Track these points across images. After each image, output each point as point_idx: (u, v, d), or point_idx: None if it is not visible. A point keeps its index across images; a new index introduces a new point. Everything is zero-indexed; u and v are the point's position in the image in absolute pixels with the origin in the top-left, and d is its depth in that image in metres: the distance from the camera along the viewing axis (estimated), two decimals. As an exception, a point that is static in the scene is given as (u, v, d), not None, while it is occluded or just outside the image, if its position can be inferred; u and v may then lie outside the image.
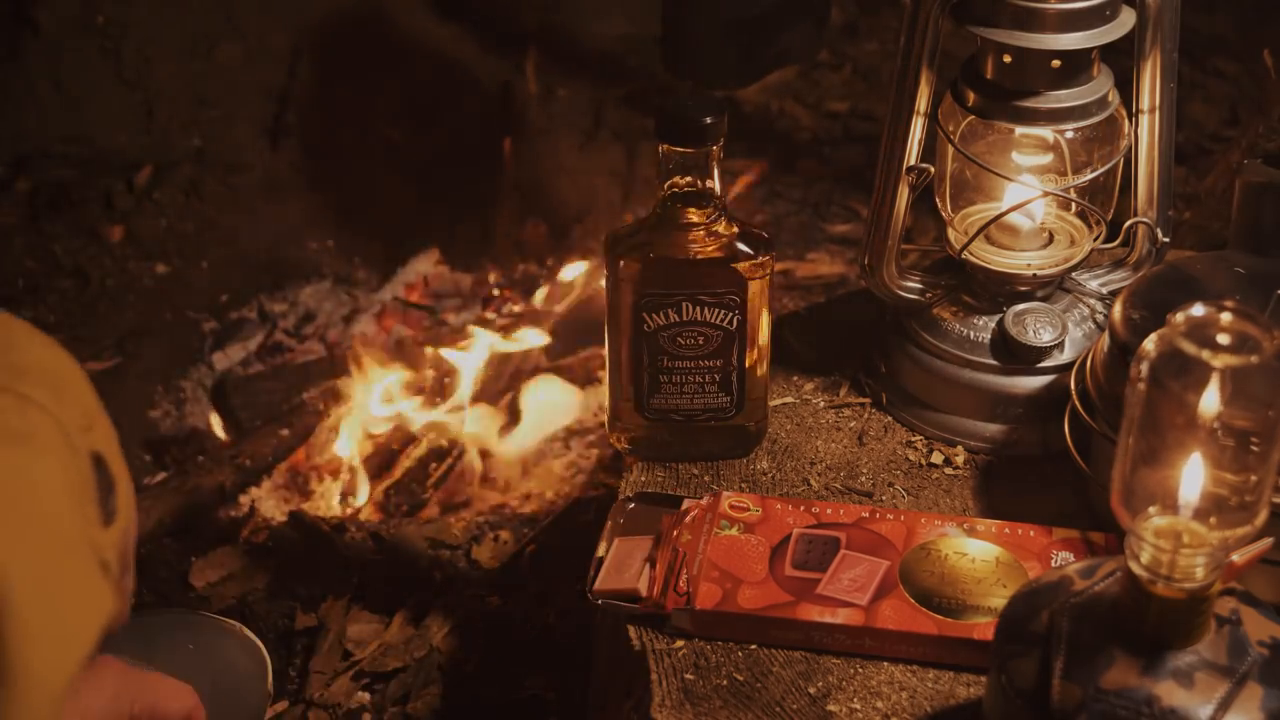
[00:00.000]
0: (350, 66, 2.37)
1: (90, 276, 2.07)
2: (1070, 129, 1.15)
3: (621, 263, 1.13)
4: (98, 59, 2.25)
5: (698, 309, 1.14)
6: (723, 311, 1.14)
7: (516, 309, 2.05)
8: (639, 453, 1.20)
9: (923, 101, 1.16)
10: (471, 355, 1.90)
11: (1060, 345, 1.19)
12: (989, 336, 1.20)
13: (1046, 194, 1.19)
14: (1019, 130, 1.17)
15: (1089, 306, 1.23)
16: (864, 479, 1.18)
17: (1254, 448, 0.80)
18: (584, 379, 1.90)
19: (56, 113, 2.24)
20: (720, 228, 1.12)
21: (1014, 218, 1.20)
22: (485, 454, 1.84)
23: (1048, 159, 1.18)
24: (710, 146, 1.10)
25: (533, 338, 1.95)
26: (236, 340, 2.02)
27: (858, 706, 0.99)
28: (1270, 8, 2.33)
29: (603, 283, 1.16)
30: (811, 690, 1.00)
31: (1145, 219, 1.22)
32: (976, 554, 1.06)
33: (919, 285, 1.24)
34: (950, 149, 1.18)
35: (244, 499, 1.74)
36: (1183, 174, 1.82)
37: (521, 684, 1.42)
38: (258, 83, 2.32)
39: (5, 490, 0.62)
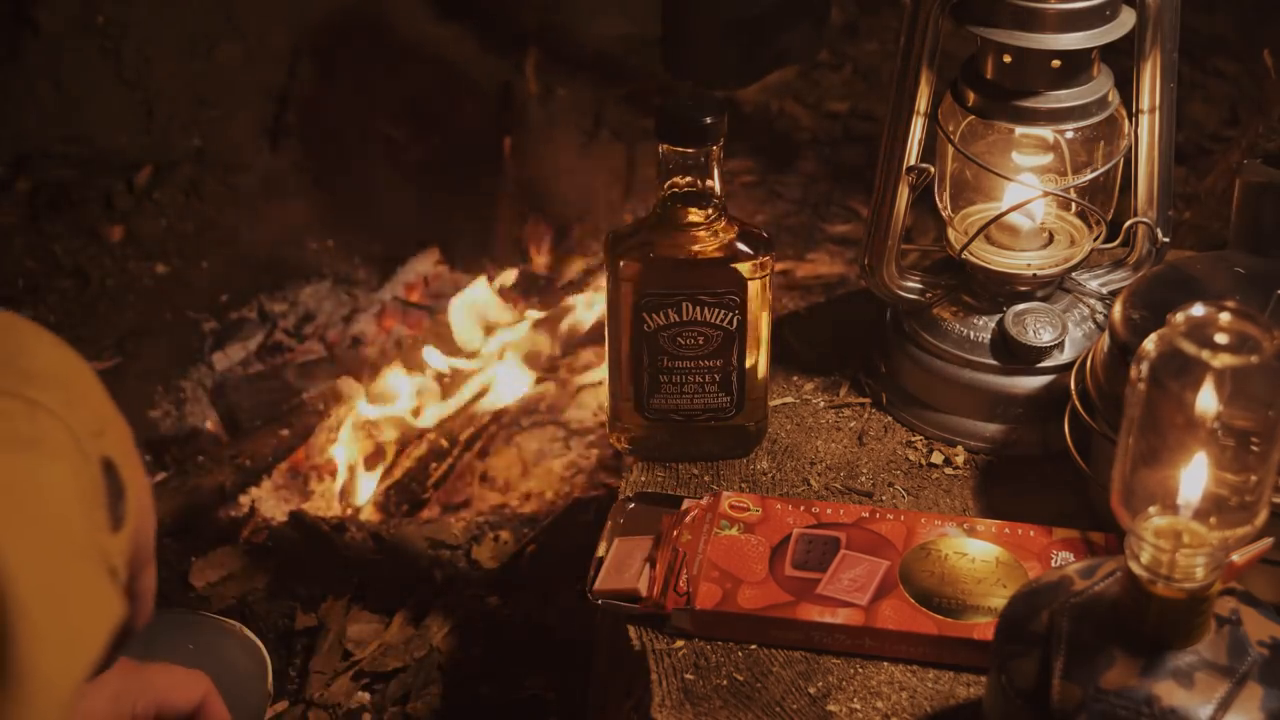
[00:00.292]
0: (350, 66, 2.37)
1: (90, 276, 2.07)
2: (1070, 129, 1.15)
3: (621, 263, 1.13)
4: (98, 59, 2.25)
5: (698, 309, 1.14)
6: (723, 311, 1.14)
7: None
8: (639, 453, 1.20)
9: (923, 101, 1.16)
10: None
11: (1060, 345, 1.19)
12: (989, 336, 1.20)
13: (1046, 194, 1.19)
14: (1019, 130, 1.17)
15: (1089, 306, 1.23)
16: (864, 479, 1.18)
17: (1254, 448, 0.80)
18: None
19: (56, 113, 2.24)
20: (720, 228, 1.13)
21: (1014, 218, 1.20)
22: (485, 453, 1.84)
23: (1048, 159, 1.18)
24: (710, 146, 1.10)
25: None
26: (236, 340, 2.02)
27: (858, 706, 0.99)
28: (1270, 8, 2.33)
29: (603, 282, 1.16)
30: (811, 690, 1.00)
31: (1145, 219, 1.22)
32: (976, 554, 1.06)
33: (919, 285, 1.24)
34: (950, 149, 1.18)
35: (244, 499, 1.74)
36: (1183, 174, 1.82)
37: (521, 684, 1.42)
38: (258, 83, 2.32)
39: (15, 495, 0.62)
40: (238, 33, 2.32)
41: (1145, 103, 1.18)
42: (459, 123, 2.35)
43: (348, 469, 1.78)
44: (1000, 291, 1.21)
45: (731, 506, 1.11)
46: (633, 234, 1.14)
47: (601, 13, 2.53)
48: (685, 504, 1.13)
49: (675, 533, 1.10)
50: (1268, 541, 0.84)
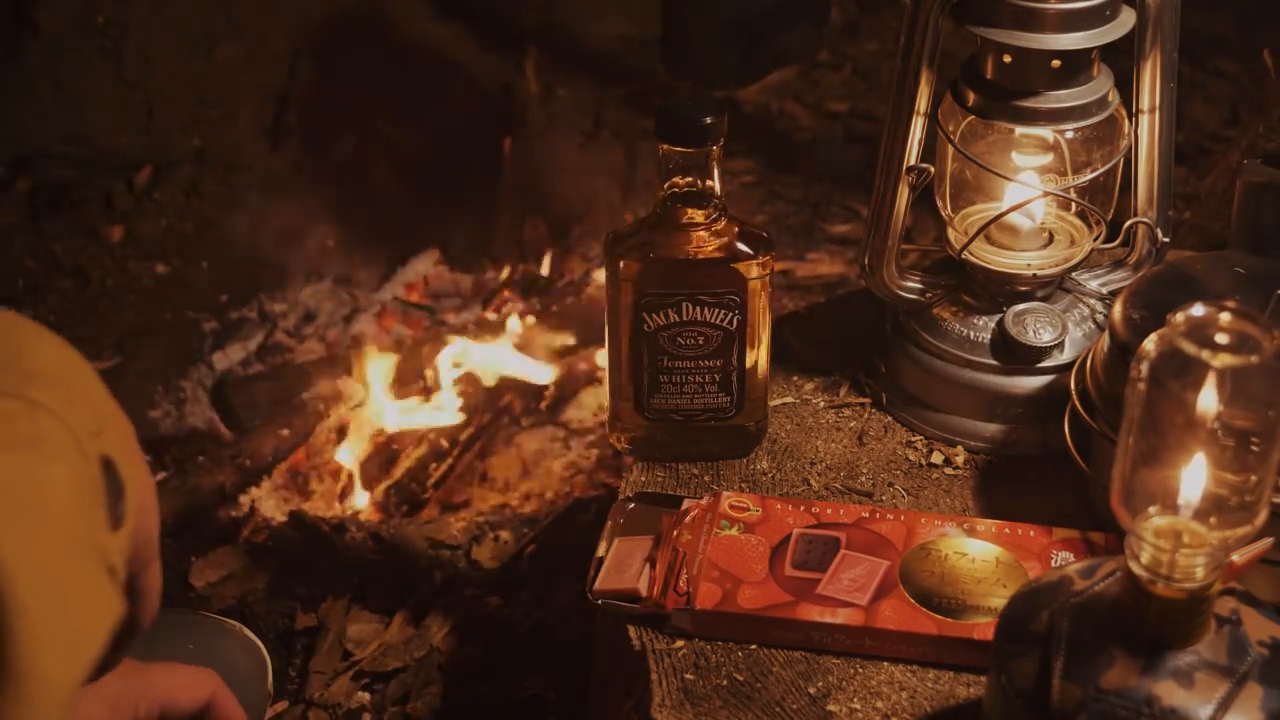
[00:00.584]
0: (350, 66, 2.37)
1: (90, 276, 2.07)
2: (1070, 129, 1.15)
3: (621, 263, 1.13)
4: (98, 59, 2.25)
5: (698, 309, 1.14)
6: (723, 311, 1.14)
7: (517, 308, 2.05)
8: (639, 453, 1.20)
9: (923, 101, 1.16)
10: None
11: (1060, 345, 1.19)
12: (989, 336, 1.20)
13: (1046, 194, 1.18)
14: (1019, 130, 1.17)
15: (1089, 306, 1.23)
16: (864, 479, 1.18)
17: (1254, 448, 0.80)
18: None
19: (56, 113, 2.24)
20: (720, 228, 1.12)
21: (1014, 218, 1.20)
22: (485, 453, 1.84)
23: (1048, 159, 1.18)
24: (710, 146, 1.09)
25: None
26: (236, 340, 2.02)
27: (858, 706, 0.99)
28: (1270, 8, 2.33)
29: (603, 282, 1.16)
30: (811, 690, 1.00)
31: (1145, 219, 1.22)
32: (976, 554, 1.06)
33: (919, 285, 1.24)
34: (950, 149, 1.18)
35: (244, 499, 1.74)
36: (1183, 174, 1.82)
37: (521, 684, 1.42)
38: (258, 83, 2.32)
39: (15, 495, 0.62)
40: (238, 33, 2.32)
41: (1145, 103, 1.18)
42: (459, 123, 2.35)
43: (347, 471, 1.78)
44: (1000, 291, 1.21)
45: (731, 506, 1.11)
46: (633, 234, 1.14)
47: (601, 13, 2.54)
48: (685, 504, 1.13)
49: (675, 533, 1.10)
50: (1268, 541, 0.84)
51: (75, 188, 2.18)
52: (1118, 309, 1.10)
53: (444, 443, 1.81)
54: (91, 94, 2.25)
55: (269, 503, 1.74)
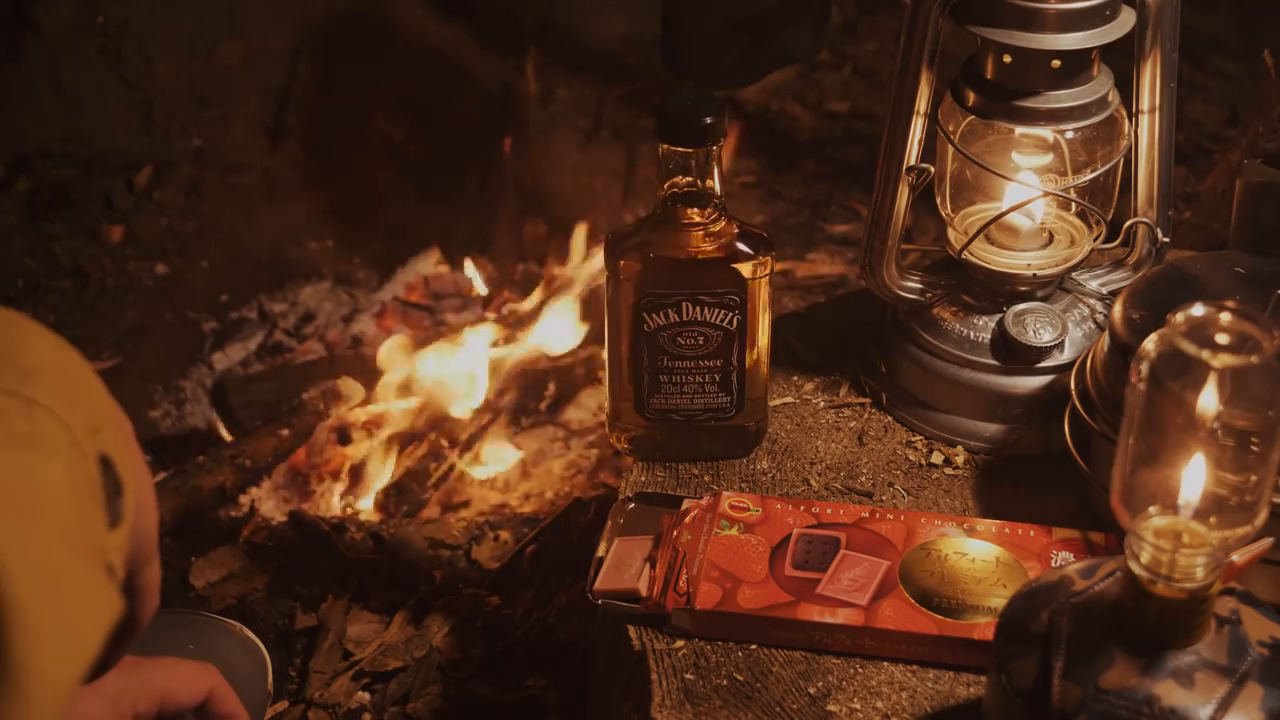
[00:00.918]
0: (350, 66, 2.37)
1: (90, 276, 2.07)
2: (1070, 129, 1.15)
3: (621, 263, 1.13)
4: (98, 59, 2.25)
5: (698, 309, 1.14)
6: (723, 311, 1.14)
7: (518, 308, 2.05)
8: (639, 453, 1.20)
9: (923, 101, 1.16)
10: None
11: (1060, 345, 1.19)
12: (989, 336, 1.20)
13: (1046, 194, 1.19)
14: (1019, 130, 1.17)
15: (1089, 306, 1.23)
16: (864, 479, 1.18)
17: (1254, 448, 0.80)
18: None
19: (56, 113, 2.24)
20: (720, 228, 1.12)
21: (1014, 218, 1.20)
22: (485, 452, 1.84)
23: (1048, 159, 1.18)
24: (710, 146, 1.09)
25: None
26: (236, 340, 2.02)
27: (858, 706, 0.99)
28: (1270, 8, 2.33)
29: (603, 282, 1.16)
30: (811, 690, 1.00)
31: (1145, 219, 1.22)
32: (976, 554, 1.06)
33: (919, 285, 1.24)
34: (950, 149, 1.18)
35: (244, 499, 1.74)
36: (1183, 174, 1.82)
37: (521, 684, 1.42)
38: (258, 83, 2.32)
39: (12, 493, 0.62)
40: (238, 33, 2.32)
41: (1145, 103, 1.18)
42: (459, 123, 2.35)
43: (347, 471, 1.78)
44: (1000, 291, 1.21)
45: (731, 506, 1.11)
46: (633, 234, 1.14)
47: (601, 13, 2.53)
48: (685, 504, 1.13)
49: (675, 533, 1.10)
50: (1268, 541, 0.85)
51: (75, 188, 2.18)
52: (1118, 309, 1.09)
53: (444, 443, 1.81)
54: (91, 94, 2.25)
55: (269, 503, 1.74)
